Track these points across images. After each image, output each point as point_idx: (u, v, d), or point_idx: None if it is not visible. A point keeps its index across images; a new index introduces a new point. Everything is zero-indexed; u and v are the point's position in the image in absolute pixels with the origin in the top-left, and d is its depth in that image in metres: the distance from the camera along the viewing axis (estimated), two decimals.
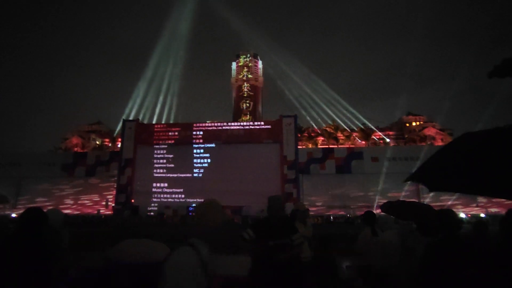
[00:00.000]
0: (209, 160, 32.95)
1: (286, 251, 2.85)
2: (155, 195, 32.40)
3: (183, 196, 31.96)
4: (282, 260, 2.80)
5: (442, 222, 2.64)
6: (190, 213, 30.64)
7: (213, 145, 33.33)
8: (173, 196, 32.15)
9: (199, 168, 32.88)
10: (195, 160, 33.07)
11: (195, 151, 33.29)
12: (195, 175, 32.68)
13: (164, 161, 33.29)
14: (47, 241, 2.33)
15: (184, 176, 32.61)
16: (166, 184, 32.60)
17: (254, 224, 3.19)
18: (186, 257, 1.68)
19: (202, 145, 33.44)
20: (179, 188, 32.28)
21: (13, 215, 29.70)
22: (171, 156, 33.33)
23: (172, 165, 33.05)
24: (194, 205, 31.33)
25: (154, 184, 32.67)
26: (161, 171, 33.07)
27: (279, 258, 2.79)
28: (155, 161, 33.36)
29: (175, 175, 32.77)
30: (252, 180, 31.08)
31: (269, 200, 3.13)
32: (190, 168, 32.85)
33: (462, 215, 27.12)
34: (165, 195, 32.31)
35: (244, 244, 2.98)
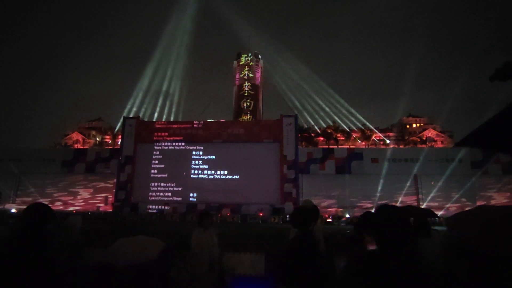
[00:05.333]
0: (208, 159, 32.93)
1: None
2: (155, 193, 32.41)
3: (182, 194, 31.97)
4: None
5: (296, 218, 2.86)
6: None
7: (213, 143, 33.32)
8: (173, 193, 32.15)
9: (199, 166, 32.87)
10: (194, 158, 33.06)
11: (194, 149, 33.29)
12: (194, 173, 32.68)
13: (164, 158, 33.27)
14: (52, 239, 2.27)
15: (183, 174, 32.62)
16: (165, 182, 32.60)
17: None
18: None
19: (202, 143, 33.42)
20: (178, 186, 32.28)
21: (13, 210, 29.80)
22: (171, 153, 33.31)
23: (172, 163, 33.04)
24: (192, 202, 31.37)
25: (153, 182, 32.67)
26: (161, 168, 33.06)
27: None
28: (154, 158, 33.35)
29: (175, 172, 32.75)
30: (252, 179, 31.12)
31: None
32: (189, 166, 32.85)
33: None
34: (164, 193, 32.31)
35: None
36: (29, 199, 33.06)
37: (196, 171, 32.57)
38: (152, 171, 32.96)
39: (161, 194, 32.32)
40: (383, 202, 29.83)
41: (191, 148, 33.36)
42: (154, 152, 33.53)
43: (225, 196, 31.00)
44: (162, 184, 32.49)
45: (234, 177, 31.83)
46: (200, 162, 32.76)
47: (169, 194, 32.16)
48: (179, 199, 31.71)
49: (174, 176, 32.46)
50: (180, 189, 32.14)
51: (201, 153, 33.07)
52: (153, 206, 31.54)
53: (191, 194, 31.83)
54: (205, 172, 32.43)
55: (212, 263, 3.59)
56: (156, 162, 33.21)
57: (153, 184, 32.55)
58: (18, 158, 34.78)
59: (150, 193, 32.32)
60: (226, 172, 32.11)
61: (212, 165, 32.59)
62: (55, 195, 34.07)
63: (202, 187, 31.82)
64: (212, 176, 32.19)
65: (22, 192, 34.48)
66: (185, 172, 32.47)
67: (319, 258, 2.60)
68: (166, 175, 32.61)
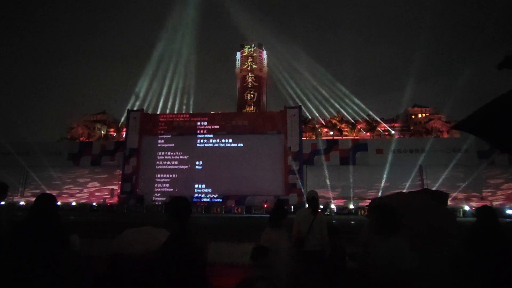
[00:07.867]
0: (213, 150, 33.04)
1: None
2: (160, 184, 32.71)
3: (187, 185, 32.18)
4: None
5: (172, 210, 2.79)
6: (195, 199, 31.04)
7: (217, 135, 33.39)
8: (178, 185, 32.39)
9: (203, 158, 33.00)
10: (199, 150, 33.21)
11: (199, 141, 33.43)
12: (199, 165, 32.86)
13: (169, 150, 33.48)
14: (59, 227, 2.37)
15: (188, 166, 32.82)
16: (170, 174, 32.86)
17: None
18: None
19: (206, 135, 33.52)
20: (183, 178, 32.49)
21: (21, 202, 30.36)
22: (175, 145, 33.49)
23: (177, 155, 33.25)
24: (196, 195, 31.64)
25: (159, 174, 32.94)
26: (166, 160, 33.30)
27: None
28: (159, 151, 33.57)
29: (179, 165, 32.97)
30: (256, 170, 31.21)
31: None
32: (194, 157, 33.02)
33: (466, 207, 27.00)
34: (169, 184, 32.60)
35: None
36: (37, 191, 33.61)
37: (201, 141, 33.41)
38: (159, 141, 33.76)
39: (168, 162, 33.02)
40: (388, 193, 29.76)
41: (196, 119, 34.35)
42: (159, 123, 34.39)
43: (230, 187, 31.15)
44: (169, 153, 33.17)
45: (239, 145, 32.52)
46: (205, 131, 33.69)
47: (176, 162, 32.91)
48: (186, 167, 32.28)
49: (180, 145, 33.23)
50: (186, 157, 32.73)
51: (205, 123, 34.00)
52: (158, 197, 31.87)
53: (197, 162, 32.51)
54: (210, 141, 33.40)
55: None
56: (162, 132, 34.05)
57: (160, 153, 33.39)
58: (25, 152, 35.17)
59: (157, 162, 33.14)
60: (230, 141, 32.89)
61: (217, 135, 33.46)
62: (62, 187, 34.55)
63: (208, 178, 32.07)
64: (217, 145, 33.05)
65: (30, 185, 35.04)
66: (190, 142, 33.34)
67: (197, 256, 2.34)
68: (173, 145, 33.31)
